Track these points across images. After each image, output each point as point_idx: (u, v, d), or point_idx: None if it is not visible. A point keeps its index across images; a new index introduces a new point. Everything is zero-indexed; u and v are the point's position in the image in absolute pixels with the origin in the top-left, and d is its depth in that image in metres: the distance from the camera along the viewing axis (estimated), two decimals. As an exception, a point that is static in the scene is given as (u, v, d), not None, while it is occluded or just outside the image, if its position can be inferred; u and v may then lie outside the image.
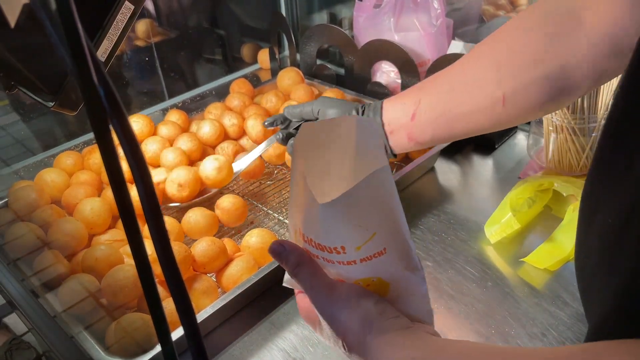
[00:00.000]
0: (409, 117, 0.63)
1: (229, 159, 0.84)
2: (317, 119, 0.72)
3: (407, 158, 0.92)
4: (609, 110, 0.34)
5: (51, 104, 0.51)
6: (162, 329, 0.27)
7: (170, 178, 0.79)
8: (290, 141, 0.75)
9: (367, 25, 1.04)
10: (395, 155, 0.68)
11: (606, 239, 0.37)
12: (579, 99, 0.79)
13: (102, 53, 0.53)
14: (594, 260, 0.40)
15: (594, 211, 0.39)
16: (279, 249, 0.41)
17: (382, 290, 0.40)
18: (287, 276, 0.43)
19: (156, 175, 0.79)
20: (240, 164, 0.84)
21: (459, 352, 0.36)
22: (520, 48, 0.55)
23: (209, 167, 0.80)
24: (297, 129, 0.76)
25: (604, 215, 0.37)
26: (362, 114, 0.68)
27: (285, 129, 0.77)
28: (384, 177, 0.35)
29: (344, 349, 0.39)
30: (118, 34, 0.54)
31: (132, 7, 0.54)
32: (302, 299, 0.44)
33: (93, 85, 0.24)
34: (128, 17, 0.54)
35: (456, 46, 0.94)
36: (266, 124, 0.78)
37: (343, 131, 0.42)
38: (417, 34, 0.98)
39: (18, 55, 0.50)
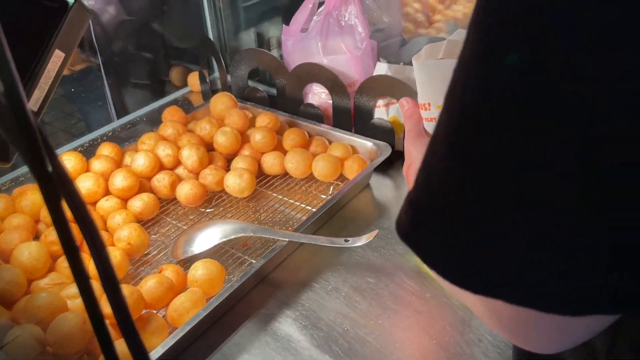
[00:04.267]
0: None
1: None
2: None
3: (342, 177, 0.95)
4: None
5: (-17, 158, 0.50)
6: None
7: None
8: None
9: (296, 49, 1.07)
10: None
11: None
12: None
13: (33, 103, 0.53)
14: None
15: None
16: (405, 104, 0.61)
17: None
18: None
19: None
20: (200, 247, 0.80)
21: None
22: None
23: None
24: None
25: None
26: None
27: None
28: None
29: (407, 179, 0.55)
30: (49, 82, 0.53)
31: (63, 55, 0.54)
32: None
33: (44, 168, 0.25)
34: (59, 65, 0.53)
35: (381, 67, 0.98)
36: None
37: None
38: (344, 57, 1.02)
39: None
